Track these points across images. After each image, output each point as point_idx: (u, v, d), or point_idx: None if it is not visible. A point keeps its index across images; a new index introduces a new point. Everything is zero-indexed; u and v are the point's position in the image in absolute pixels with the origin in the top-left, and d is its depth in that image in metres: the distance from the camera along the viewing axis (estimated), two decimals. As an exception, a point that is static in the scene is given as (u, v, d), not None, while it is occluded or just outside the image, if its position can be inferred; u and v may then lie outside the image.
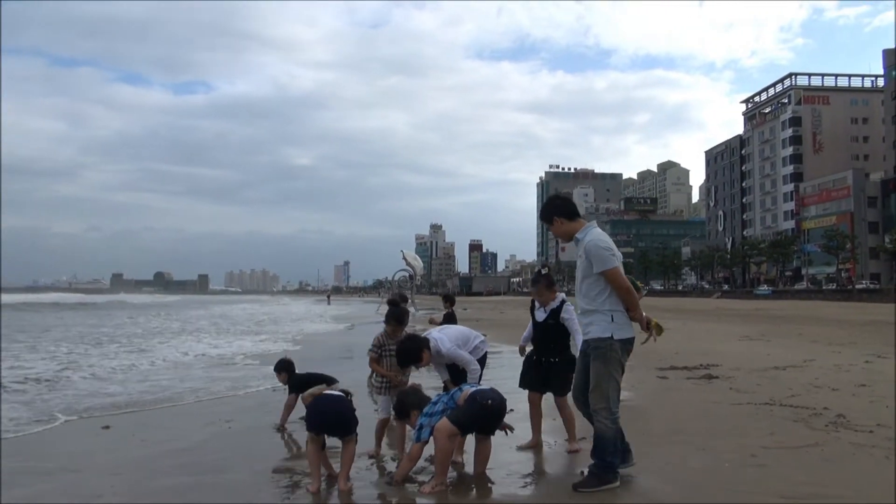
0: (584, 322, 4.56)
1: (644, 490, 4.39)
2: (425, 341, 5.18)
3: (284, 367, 6.72)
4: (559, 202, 4.82)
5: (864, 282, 74.24)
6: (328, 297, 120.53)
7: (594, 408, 4.44)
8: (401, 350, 5.17)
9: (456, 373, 5.36)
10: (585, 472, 4.46)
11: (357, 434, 4.64)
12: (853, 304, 45.61)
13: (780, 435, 5.73)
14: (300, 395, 5.31)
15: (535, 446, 5.54)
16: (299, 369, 6.90)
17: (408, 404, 4.80)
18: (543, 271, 5.69)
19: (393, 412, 5.02)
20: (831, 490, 4.25)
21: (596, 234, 4.55)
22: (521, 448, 5.52)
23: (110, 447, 6.12)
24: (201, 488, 4.64)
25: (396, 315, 5.71)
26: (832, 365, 10.81)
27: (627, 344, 4.46)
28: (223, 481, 4.83)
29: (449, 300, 10.93)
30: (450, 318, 9.48)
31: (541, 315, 5.54)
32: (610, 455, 4.39)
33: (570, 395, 5.11)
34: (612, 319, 4.39)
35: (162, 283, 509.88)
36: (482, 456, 4.82)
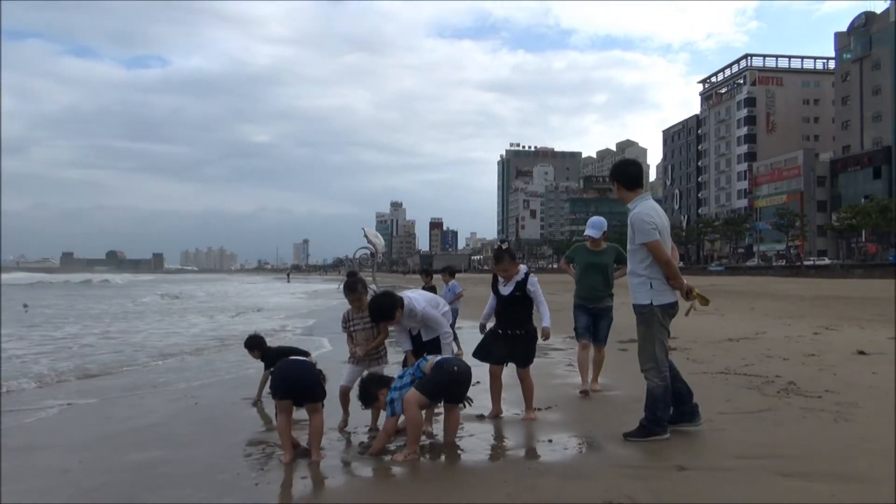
0: (631, 287, 4.87)
1: (608, 453, 4.56)
2: (400, 300, 5.21)
3: (256, 344, 6.68)
4: (625, 168, 5.01)
5: (812, 258, 76.75)
6: (288, 275, 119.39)
7: (643, 367, 4.78)
8: (374, 305, 5.17)
9: (418, 344, 5.42)
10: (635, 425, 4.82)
11: (323, 406, 4.69)
12: (802, 280, 47.18)
13: (736, 401, 5.99)
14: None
15: (497, 416, 5.67)
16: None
17: (372, 388, 4.85)
18: (504, 246, 5.81)
19: (360, 403, 5.02)
20: (783, 450, 4.47)
21: (643, 207, 4.78)
22: (486, 418, 5.65)
23: (74, 424, 6.06)
24: (173, 462, 4.63)
25: (347, 285, 5.62)
26: (783, 336, 11.25)
27: (668, 308, 4.74)
28: (195, 455, 4.84)
29: (427, 274, 10.84)
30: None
31: (507, 289, 5.63)
32: (660, 410, 4.71)
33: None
34: (651, 286, 4.69)
35: (115, 262, 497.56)
36: (451, 425, 4.93)
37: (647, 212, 4.75)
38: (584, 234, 6.76)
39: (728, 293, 27.62)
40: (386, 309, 5.16)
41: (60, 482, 4.25)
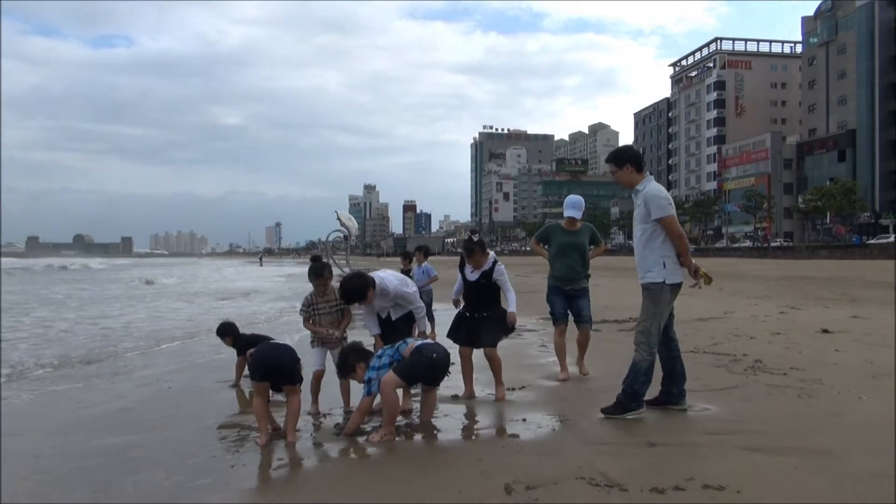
0: (641, 265, 4.93)
1: (582, 431, 4.64)
2: (371, 280, 5.21)
3: (228, 331, 6.63)
4: (634, 153, 5.17)
5: (778, 240, 78.25)
6: (260, 258, 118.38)
7: (637, 340, 4.90)
8: (346, 287, 5.16)
9: (387, 328, 5.45)
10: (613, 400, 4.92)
11: (301, 388, 4.72)
12: (769, 261, 48.15)
13: (704, 379, 6.12)
14: (248, 353, 5.29)
15: (470, 397, 5.73)
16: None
17: (351, 360, 4.87)
18: (475, 238, 5.81)
19: (337, 371, 5.07)
20: (750, 426, 4.60)
21: (655, 185, 4.96)
22: (460, 398, 5.71)
23: (46, 410, 5.98)
24: (146, 446, 4.60)
25: (313, 270, 5.50)
26: (750, 316, 11.50)
27: (676, 288, 4.89)
28: (168, 438, 4.81)
29: (407, 257, 10.65)
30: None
31: (473, 276, 5.72)
32: (639, 384, 4.84)
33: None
34: (664, 266, 4.81)
35: (82, 245, 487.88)
36: (428, 406, 4.98)
37: (660, 188, 4.95)
38: (565, 214, 6.53)
39: (697, 274, 28.06)
40: (357, 289, 5.15)
41: (32, 467, 4.20)
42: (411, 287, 5.53)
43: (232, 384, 6.63)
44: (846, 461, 3.84)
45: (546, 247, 6.79)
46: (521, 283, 24.65)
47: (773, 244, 70.34)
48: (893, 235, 61.98)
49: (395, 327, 5.38)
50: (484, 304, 5.70)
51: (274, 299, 21.72)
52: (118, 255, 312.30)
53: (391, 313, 5.44)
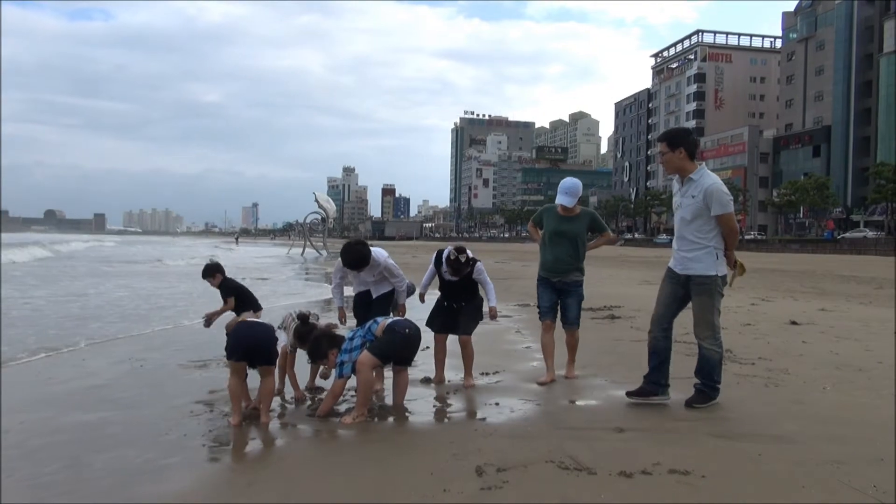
0: (689, 257, 4.85)
1: (553, 416, 4.71)
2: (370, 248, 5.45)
3: (216, 269, 6.45)
4: (692, 139, 4.97)
5: (752, 233, 79.40)
6: (236, 238, 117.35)
7: (701, 336, 4.90)
8: (353, 252, 5.36)
9: (364, 309, 5.51)
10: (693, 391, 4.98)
11: (275, 368, 4.73)
12: (741, 254, 48.72)
13: (675, 367, 6.13)
14: (227, 324, 5.20)
15: (440, 382, 5.77)
16: None
17: (324, 346, 4.86)
18: (463, 258, 5.57)
19: (309, 357, 5.04)
20: (717, 413, 4.71)
21: (716, 178, 4.85)
22: (431, 382, 5.76)
23: (13, 386, 5.89)
24: (117, 423, 4.58)
25: (299, 333, 5.11)
26: (722, 307, 11.66)
27: (724, 279, 4.91)
28: (141, 416, 4.79)
29: None
30: None
31: (451, 278, 5.72)
32: (717, 375, 4.92)
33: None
34: (717, 258, 4.79)
35: (54, 221, 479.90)
36: (400, 387, 5.00)
37: (722, 183, 4.87)
38: (556, 201, 5.77)
39: (672, 264, 28.41)
40: (364, 256, 5.36)
41: (2, 443, 4.15)
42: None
43: (205, 321, 6.51)
44: (808, 448, 3.94)
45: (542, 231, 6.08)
46: (499, 269, 24.78)
47: (746, 237, 71.36)
48: (866, 231, 63.24)
49: (370, 307, 5.41)
50: (462, 295, 5.76)
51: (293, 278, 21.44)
52: (90, 232, 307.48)
53: (372, 290, 5.49)
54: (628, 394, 5.07)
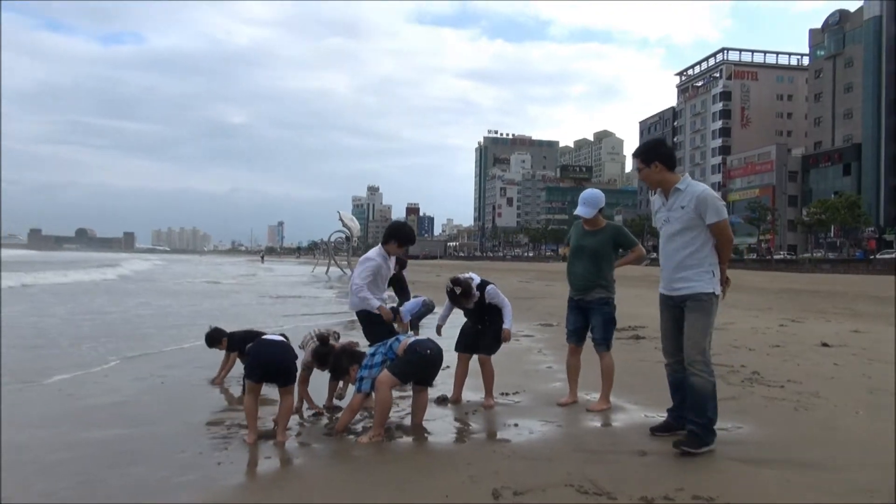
0: (681, 275, 4.35)
1: (574, 438, 4.60)
2: None
3: (219, 336, 6.53)
4: (665, 149, 4.59)
5: (781, 252, 78.07)
6: (262, 257, 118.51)
7: (690, 359, 4.29)
8: (406, 229, 5.81)
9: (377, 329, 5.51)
10: (684, 432, 4.31)
11: (294, 387, 4.70)
12: (771, 273, 48.01)
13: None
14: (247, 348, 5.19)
15: (457, 402, 5.67)
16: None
17: (345, 362, 4.83)
18: (458, 290, 5.54)
19: (331, 373, 5.04)
20: (744, 437, 4.56)
21: (705, 185, 4.42)
22: (448, 400, 5.68)
23: (35, 402, 5.93)
24: (134, 440, 4.57)
25: (318, 355, 5.10)
26: (749, 328, 11.43)
27: (718, 298, 4.42)
28: (157, 433, 4.78)
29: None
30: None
31: (467, 306, 5.72)
32: (711, 411, 4.23)
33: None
34: (713, 275, 4.32)
35: (85, 239, 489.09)
36: (419, 407, 4.93)
37: (711, 189, 4.42)
38: (575, 212, 5.58)
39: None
40: (413, 233, 5.86)
41: (17, 458, 4.16)
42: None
43: (213, 380, 6.60)
44: (839, 475, 3.79)
45: None
46: (522, 288, 24.58)
47: (776, 256, 70.19)
48: (896, 251, 61.83)
49: (377, 318, 5.45)
50: (484, 316, 5.71)
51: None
52: (120, 250, 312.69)
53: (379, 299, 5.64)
54: (652, 430, 4.65)
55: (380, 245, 5.74)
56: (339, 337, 5.41)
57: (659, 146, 4.61)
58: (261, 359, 4.61)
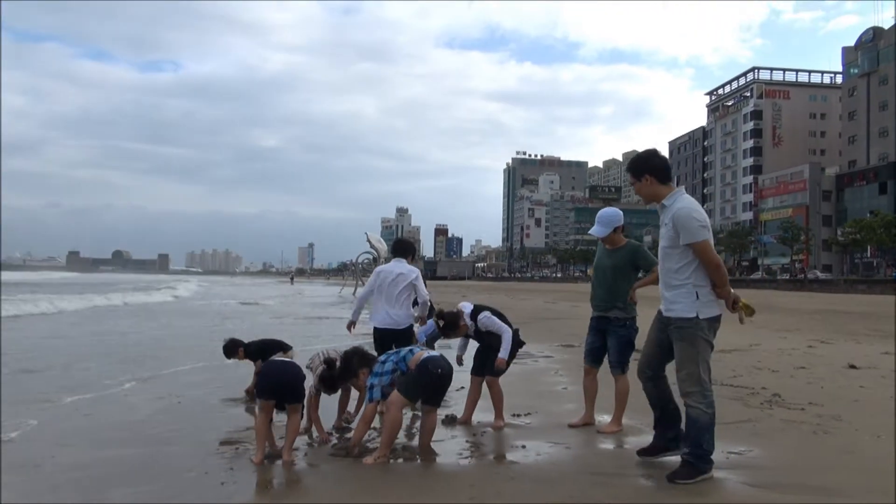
0: (667, 296, 4.17)
1: (581, 460, 4.54)
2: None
3: (235, 347, 6.65)
4: (657, 161, 4.39)
5: (816, 272, 76.43)
6: (291, 278, 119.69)
7: (685, 391, 4.09)
8: (404, 241, 6.56)
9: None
10: (677, 463, 4.15)
11: (303, 406, 4.72)
12: (804, 294, 46.96)
13: (717, 412, 5.88)
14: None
15: (465, 422, 5.62)
16: None
17: (355, 364, 4.86)
18: (441, 322, 5.58)
19: (338, 375, 5.05)
20: (758, 461, 4.45)
21: (688, 202, 4.16)
22: (455, 421, 5.65)
23: (51, 420, 6.03)
24: (145, 459, 4.62)
25: (324, 379, 5.11)
26: (776, 349, 11.18)
27: (714, 322, 4.11)
28: (169, 453, 4.83)
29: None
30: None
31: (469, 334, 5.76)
32: (706, 443, 4.05)
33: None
34: (697, 297, 4.03)
35: (121, 261, 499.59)
36: (427, 428, 4.90)
37: (694, 206, 4.13)
38: (589, 231, 5.53)
39: (728, 305, 27.49)
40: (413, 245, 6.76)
41: (31, 477, 4.24)
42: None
43: (247, 389, 6.76)
44: (850, 500, 3.68)
45: None
46: (547, 309, 24.42)
47: (809, 277, 68.70)
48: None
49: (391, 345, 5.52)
50: (490, 339, 5.64)
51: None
52: (155, 272, 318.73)
53: (389, 311, 6.05)
54: (639, 452, 4.52)
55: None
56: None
57: (651, 158, 4.41)
58: (269, 376, 4.66)
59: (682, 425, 4.27)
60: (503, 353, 5.46)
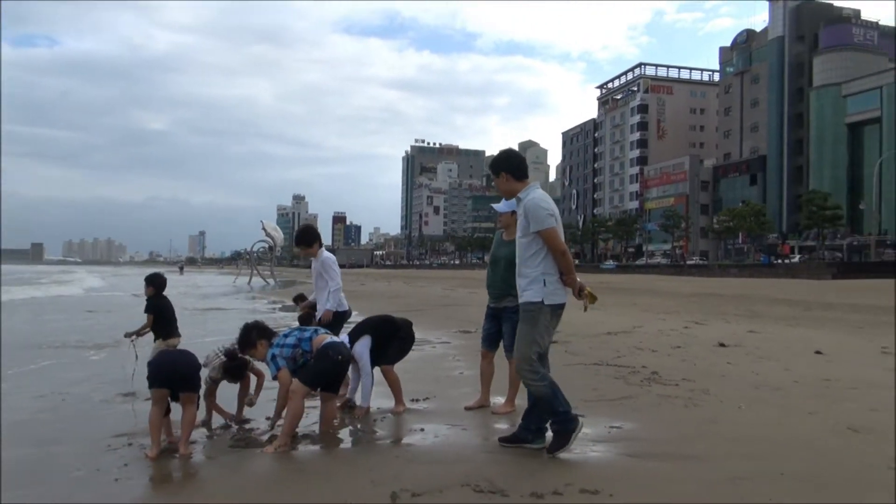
0: (521, 284, 4.43)
1: (477, 441, 4.77)
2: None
3: (153, 280, 6.29)
4: (513, 160, 4.64)
5: (694, 258, 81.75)
6: (180, 267, 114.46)
7: (518, 368, 4.39)
8: (305, 228, 6.57)
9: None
10: (546, 432, 4.42)
11: (199, 397, 4.68)
12: (684, 278, 50.20)
13: (601, 390, 6.37)
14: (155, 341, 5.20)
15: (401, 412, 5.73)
16: None
17: (254, 336, 4.94)
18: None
19: (236, 346, 5.09)
20: (636, 434, 4.84)
21: (538, 194, 4.45)
22: (354, 408, 5.73)
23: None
24: (29, 461, 4.44)
25: (229, 370, 5.23)
26: (656, 330, 11.99)
27: (557, 309, 4.38)
28: (55, 452, 4.65)
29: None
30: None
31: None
32: (559, 405, 4.31)
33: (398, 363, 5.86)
34: (545, 284, 4.31)
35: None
36: (327, 416, 5.02)
37: (543, 197, 4.45)
38: (493, 205, 5.81)
39: (616, 290, 29.00)
40: (313, 234, 6.44)
41: None
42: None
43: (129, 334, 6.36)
44: (716, 466, 4.09)
45: None
46: (445, 296, 24.83)
47: (688, 262, 73.37)
48: (798, 256, 65.88)
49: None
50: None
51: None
52: (27, 262, 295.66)
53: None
54: (500, 439, 4.63)
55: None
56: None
57: (509, 157, 4.67)
58: (161, 364, 4.60)
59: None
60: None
